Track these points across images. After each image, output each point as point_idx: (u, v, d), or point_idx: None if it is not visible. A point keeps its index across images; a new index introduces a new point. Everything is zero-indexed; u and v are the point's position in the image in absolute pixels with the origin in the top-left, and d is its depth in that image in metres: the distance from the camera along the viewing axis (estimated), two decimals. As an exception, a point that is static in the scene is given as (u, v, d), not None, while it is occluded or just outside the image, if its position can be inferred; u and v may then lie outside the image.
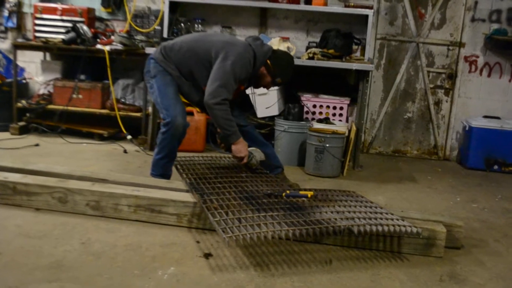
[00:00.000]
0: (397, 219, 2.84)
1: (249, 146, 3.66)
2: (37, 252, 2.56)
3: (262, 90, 4.60)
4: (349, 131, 5.00)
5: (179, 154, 3.71)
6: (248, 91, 4.47)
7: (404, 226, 2.74)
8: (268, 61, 3.62)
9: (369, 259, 2.77)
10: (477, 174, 5.26)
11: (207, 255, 2.67)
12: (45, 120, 5.53)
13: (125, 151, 5.01)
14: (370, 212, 2.93)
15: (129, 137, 5.24)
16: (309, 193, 3.09)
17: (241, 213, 2.76)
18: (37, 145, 5.00)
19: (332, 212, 2.87)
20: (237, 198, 3.01)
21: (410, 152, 5.98)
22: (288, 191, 3.10)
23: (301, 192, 3.11)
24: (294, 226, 2.60)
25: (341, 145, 4.70)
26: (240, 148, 3.54)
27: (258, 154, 3.68)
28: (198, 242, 2.85)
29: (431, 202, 4.10)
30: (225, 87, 3.41)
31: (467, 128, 5.51)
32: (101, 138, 5.42)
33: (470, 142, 5.42)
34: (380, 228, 2.69)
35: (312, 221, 2.67)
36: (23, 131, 5.43)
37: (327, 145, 4.59)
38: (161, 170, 3.64)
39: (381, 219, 2.82)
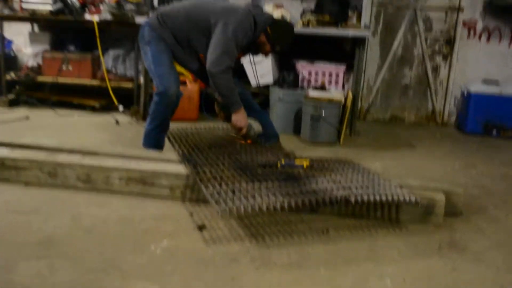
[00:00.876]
0: (395, 187, 2.77)
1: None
2: (26, 228, 2.49)
3: (256, 58, 4.49)
4: (346, 98, 4.90)
5: (171, 124, 3.62)
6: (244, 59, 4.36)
7: (403, 194, 2.67)
8: (268, 29, 3.50)
9: (367, 228, 2.71)
10: (475, 140, 5.19)
11: (201, 228, 2.61)
12: (35, 92, 5.42)
13: (117, 122, 4.91)
14: (368, 180, 2.86)
15: (121, 108, 5.14)
16: (305, 163, 3.01)
17: (235, 184, 2.68)
18: (27, 118, 4.89)
19: (328, 181, 2.80)
20: (230, 168, 2.93)
21: (407, 118, 5.91)
22: (283, 161, 3.03)
23: (297, 162, 3.04)
24: (290, 196, 2.53)
25: (337, 113, 4.61)
26: (241, 117, 3.45)
27: (256, 127, 3.60)
28: (191, 214, 2.79)
29: (429, 168, 4.03)
30: (227, 55, 3.31)
31: (465, 94, 5.43)
32: (92, 109, 5.33)
33: (468, 107, 5.34)
34: (377, 197, 2.61)
35: (308, 191, 2.60)
36: (12, 104, 5.32)
37: (323, 113, 4.50)
38: (154, 140, 3.56)
39: (379, 187, 2.75)
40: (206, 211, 2.82)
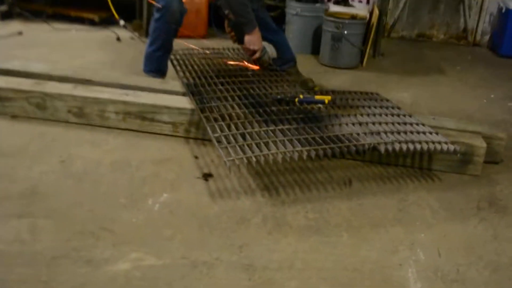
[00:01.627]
0: (430, 133, 2.41)
1: (261, 35, 3.19)
2: (9, 176, 2.18)
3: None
4: (371, 14, 4.40)
5: (177, 43, 3.22)
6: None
7: (439, 142, 2.31)
8: None
9: (395, 179, 2.39)
10: (511, 64, 4.72)
11: (206, 176, 2.29)
12: (29, 4, 4.95)
13: (118, 39, 4.49)
14: (398, 123, 2.49)
15: (122, 22, 4.67)
16: (326, 98, 2.63)
17: (246, 127, 2.33)
18: (20, 33, 4.46)
19: (353, 123, 2.43)
20: (241, 105, 2.56)
21: (436, 36, 5.39)
22: (301, 96, 2.64)
23: (317, 97, 2.65)
24: (309, 145, 2.18)
25: (361, 32, 4.14)
26: (255, 40, 3.03)
27: (271, 50, 3.19)
28: (196, 157, 2.47)
29: (462, 100, 3.63)
30: None
31: (503, 10, 4.87)
32: (91, 23, 4.87)
33: (506, 26, 4.81)
34: (411, 146, 2.25)
35: (331, 138, 2.24)
36: (5, 16, 4.86)
37: (345, 32, 4.03)
38: (155, 64, 3.18)
39: (412, 132, 2.39)
40: (212, 154, 2.50)
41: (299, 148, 2.13)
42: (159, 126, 2.66)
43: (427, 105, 3.40)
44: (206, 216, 2.00)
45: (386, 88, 3.70)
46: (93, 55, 4.03)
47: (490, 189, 2.37)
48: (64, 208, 1.99)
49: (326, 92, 2.82)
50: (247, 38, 3.01)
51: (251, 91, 2.76)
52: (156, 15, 3.02)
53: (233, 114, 2.47)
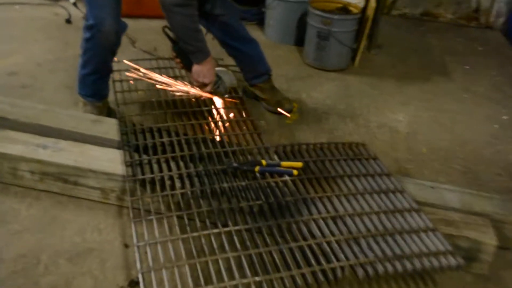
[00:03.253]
0: (425, 231, 1.85)
1: (228, 44, 2.69)
2: None
3: None
4: (366, 3, 3.67)
5: (137, 22, 2.65)
6: None
7: (437, 254, 1.76)
8: None
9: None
10: (528, 58, 4.08)
11: (133, 284, 1.77)
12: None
13: (67, 21, 3.81)
14: (385, 212, 1.92)
15: (72, 0, 3.96)
16: (296, 166, 2.06)
17: (183, 228, 1.78)
18: (-49, 12, 3.79)
19: (326, 218, 1.86)
20: (184, 176, 1.99)
21: (443, 15, 4.68)
22: (264, 162, 2.05)
23: (284, 165, 2.06)
24: (261, 268, 1.64)
25: (353, 29, 3.45)
26: (205, 71, 2.41)
27: (229, 78, 2.57)
28: (126, 246, 1.93)
29: (468, 124, 3.02)
30: None
31: (524, -7, 4.16)
32: (39, -5, 4.17)
33: (525, 12, 4.12)
34: (399, 266, 1.71)
35: (293, 253, 1.69)
36: None
37: (334, 29, 3.36)
38: (91, 89, 2.57)
39: (401, 233, 1.83)
40: (150, 235, 1.94)
41: (246, 279, 1.59)
42: (85, 191, 2.11)
43: (426, 136, 2.83)
44: None
45: (378, 104, 3.11)
46: (33, 48, 3.38)
47: (497, 304, 1.86)
48: None
49: (298, 151, 2.22)
50: (195, 68, 2.39)
51: (203, 147, 2.17)
52: (86, 33, 2.36)
53: (170, 196, 1.90)
